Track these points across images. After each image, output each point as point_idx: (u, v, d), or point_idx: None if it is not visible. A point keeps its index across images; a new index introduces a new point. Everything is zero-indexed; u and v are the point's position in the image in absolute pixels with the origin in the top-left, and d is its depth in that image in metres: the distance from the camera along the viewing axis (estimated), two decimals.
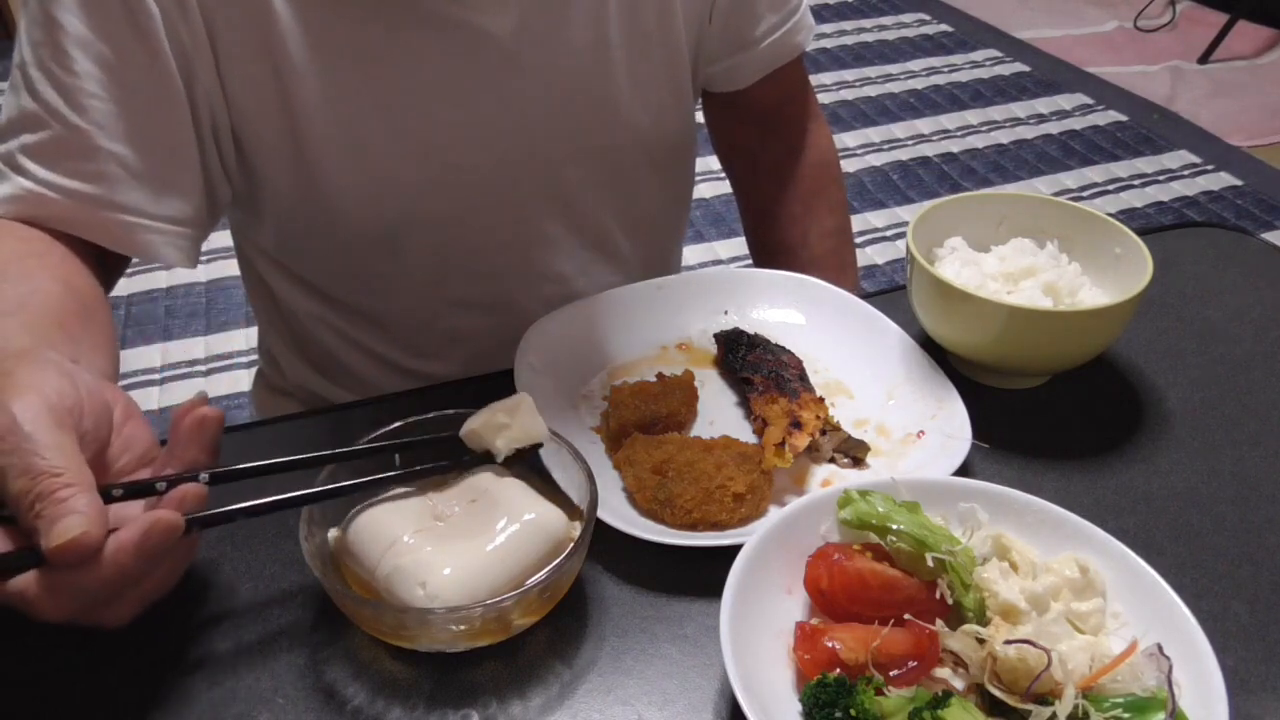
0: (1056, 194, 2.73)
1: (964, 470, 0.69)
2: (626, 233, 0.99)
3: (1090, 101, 3.28)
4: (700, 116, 1.07)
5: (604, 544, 0.64)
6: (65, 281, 0.70)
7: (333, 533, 0.62)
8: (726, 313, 0.87)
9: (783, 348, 0.81)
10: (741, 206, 1.17)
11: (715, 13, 0.94)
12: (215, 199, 0.83)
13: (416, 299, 0.93)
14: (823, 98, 3.21)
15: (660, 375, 0.79)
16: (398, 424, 0.66)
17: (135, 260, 0.81)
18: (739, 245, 2.56)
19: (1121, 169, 2.91)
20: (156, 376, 2.13)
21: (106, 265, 0.78)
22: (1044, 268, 0.80)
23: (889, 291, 0.91)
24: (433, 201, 0.86)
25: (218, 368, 2.16)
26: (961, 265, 0.80)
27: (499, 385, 0.77)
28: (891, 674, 0.55)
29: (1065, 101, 3.28)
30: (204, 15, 0.74)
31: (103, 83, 0.73)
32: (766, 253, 1.13)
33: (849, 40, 3.71)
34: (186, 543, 0.57)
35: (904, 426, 0.75)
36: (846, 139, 3.03)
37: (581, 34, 0.85)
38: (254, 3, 0.75)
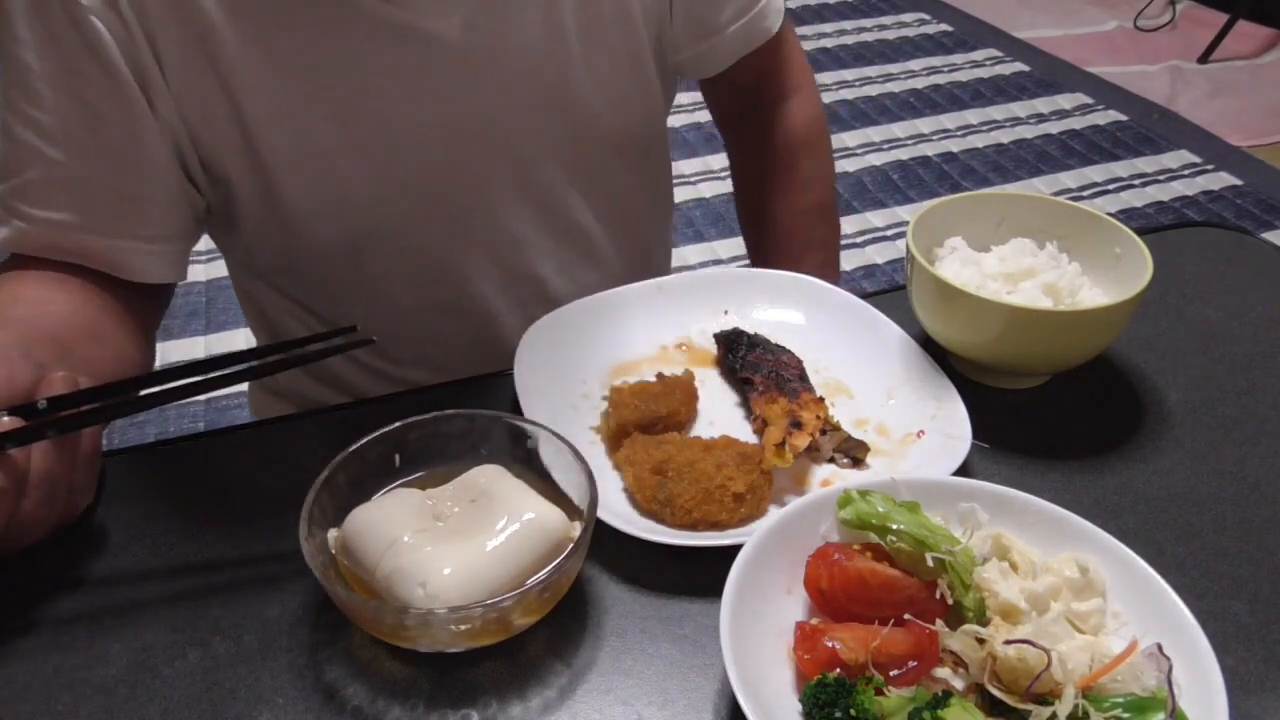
0: (1056, 194, 2.73)
1: (964, 470, 0.69)
2: (604, 231, 0.98)
3: (1090, 101, 3.28)
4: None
5: (604, 544, 0.64)
6: (80, 304, 0.76)
7: (333, 533, 0.62)
8: (726, 313, 0.87)
9: (783, 348, 0.81)
10: (731, 176, 1.18)
11: (676, 1, 0.93)
12: (195, 210, 0.84)
13: (388, 307, 0.93)
14: (823, 97, 3.21)
15: (660, 375, 0.78)
16: (398, 424, 0.66)
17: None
18: (739, 245, 2.54)
19: (1121, 169, 2.91)
20: None
21: (143, 292, 0.82)
22: (1044, 268, 0.80)
23: (889, 291, 0.91)
24: (395, 209, 0.86)
25: None
26: (961, 265, 0.80)
27: (498, 385, 0.77)
28: (891, 674, 0.55)
29: (1065, 101, 3.28)
30: (148, 38, 0.75)
31: (72, 114, 0.75)
32: (746, 225, 1.14)
33: (849, 40, 3.71)
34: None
35: (904, 426, 0.75)
36: (846, 139, 3.03)
37: (533, 30, 0.84)
38: (194, 22, 0.76)
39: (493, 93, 0.84)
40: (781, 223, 1.08)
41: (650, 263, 1.09)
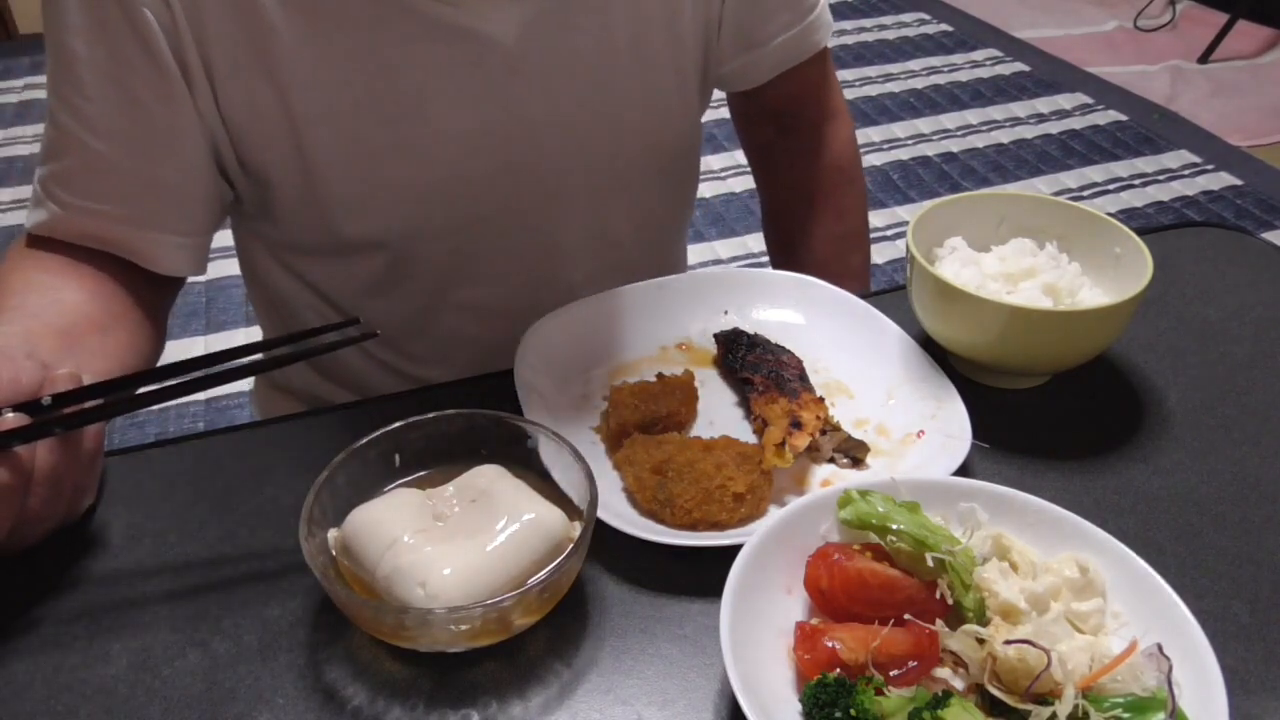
0: (1056, 194, 2.73)
1: (964, 470, 0.69)
2: (633, 236, 0.99)
3: (1090, 101, 3.28)
4: (709, 113, 1.07)
5: (604, 544, 0.64)
6: (92, 293, 0.76)
7: (333, 533, 0.62)
8: (726, 313, 0.87)
9: (783, 348, 0.81)
10: (760, 201, 1.17)
11: (724, 13, 0.94)
12: (223, 203, 0.85)
13: (419, 305, 0.93)
14: None
15: (660, 375, 0.78)
16: (398, 424, 0.66)
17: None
18: (739, 245, 2.56)
19: (1121, 169, 2.91)
20: None
21: (157, 282, 0.83)
22: (1044, 268, 0.80)
23: (889, 291, 0.91)
24: (435, 209, 0.86)
25: None
26: (961, 265, 0.80)
27: (498, 385, 0.77)
28: (891, 674, 0.55)
29: (1065, 101, 3.28)
30: (195, 34, 0.75)
31: (116, 104, 0.76)
32: (777, 251, 1.13)
33: (849, 40, 3.71)
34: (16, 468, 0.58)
35: (904, 426, 0.75)
36: None
37: (586, 39, 0.85)
38: (252, 21, 0.76)
39: (540, 99, 0.85)
40: (819, 250, 1.07)
41: (669, 260, 1.09)
